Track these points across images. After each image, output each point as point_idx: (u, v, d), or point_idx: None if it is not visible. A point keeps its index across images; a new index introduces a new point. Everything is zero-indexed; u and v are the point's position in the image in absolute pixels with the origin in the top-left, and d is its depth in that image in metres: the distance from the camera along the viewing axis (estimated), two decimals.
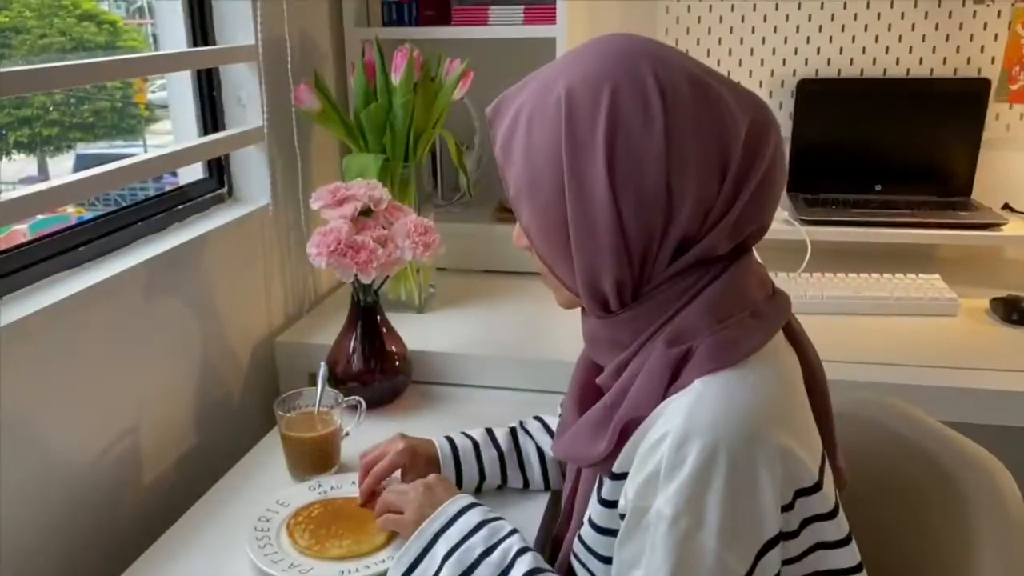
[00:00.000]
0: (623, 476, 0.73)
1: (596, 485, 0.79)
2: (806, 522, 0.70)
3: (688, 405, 0.68)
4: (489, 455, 1.07)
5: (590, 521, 0.79)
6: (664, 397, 0.71)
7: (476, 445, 1.08)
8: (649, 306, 0.74)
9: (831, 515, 0.72)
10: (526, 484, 1.09)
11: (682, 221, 0.70)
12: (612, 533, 0.75)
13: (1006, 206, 1.81)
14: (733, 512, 0.65)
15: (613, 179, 0.69)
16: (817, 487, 0.69)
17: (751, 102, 0.73)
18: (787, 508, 0.68)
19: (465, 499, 0.91)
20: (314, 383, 1.19)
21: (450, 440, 1.08)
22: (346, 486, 1.09)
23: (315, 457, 1.13)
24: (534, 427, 1.10)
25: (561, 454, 0.85)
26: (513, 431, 1.10)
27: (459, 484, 1.06)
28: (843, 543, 0.74)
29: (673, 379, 0.71)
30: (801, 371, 0.78)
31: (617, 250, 0.71)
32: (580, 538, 0.81)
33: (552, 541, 0.96)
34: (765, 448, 0.66)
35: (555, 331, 1.48)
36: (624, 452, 0.73)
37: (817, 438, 0.74)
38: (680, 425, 0.67)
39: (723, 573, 0.66)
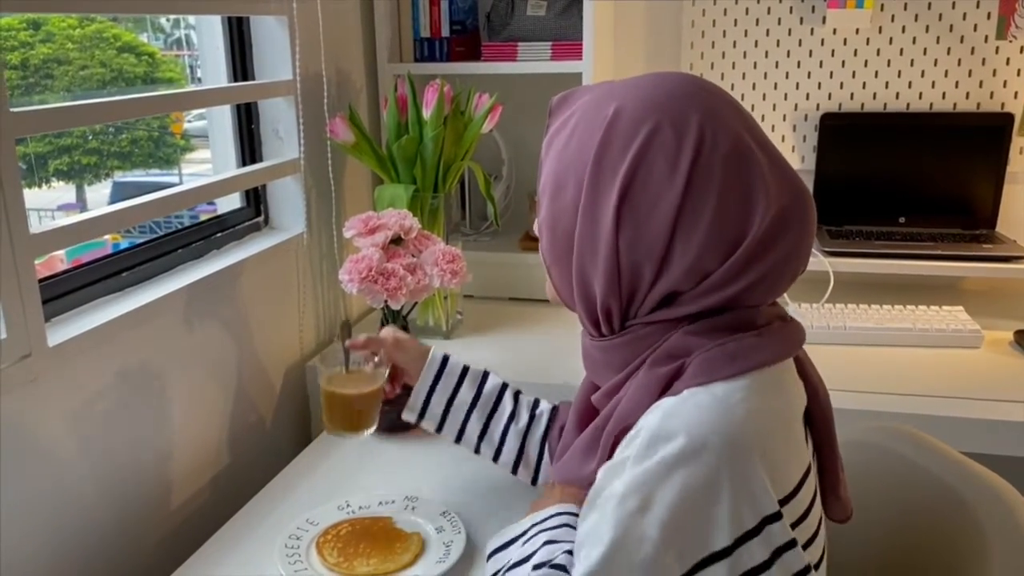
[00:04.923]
0: None
1: None
2: (777, 552, 0.68)
3: (669, 405, 0.68)
4: (465, 394, 1.06)
5: None
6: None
7: (464, 373, 1.07)
8: (638, 335, 0.74)
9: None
10: (483, 433, 1.07)
11: (673, 276, 0.70)
12: None
13: None
14: (681, 511, 0.64)
15: (621, 210, 0.70)
16: (777, 516, 0.67)
17: (791, 188, 0.72)
18: (753, 533, 0.66)
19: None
20: None
21: (446, 357, 1.07)
22: (374, 506, 1.12)
23: (356, 414, 1.08)
24: (525, 401, 1.09)
25: (558, 476, 0.85)
26: (504, 387, 1.09)
27: (427, 399, 1.05)
28: None
29: (663, 393, 0.71)
30: (806, 404, 0.77)
31: (610, 276, 0.72)
32: None
33: None
34: (735, 466, 0.65)
35: (579, 358, 1.50)
36: None
37: (793, 477, 0.71)
38: (656, 422, 0.67)
39: (656, 568, 0.65)
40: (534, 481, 1.08)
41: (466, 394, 1.07)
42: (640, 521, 0.65)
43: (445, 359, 1.08)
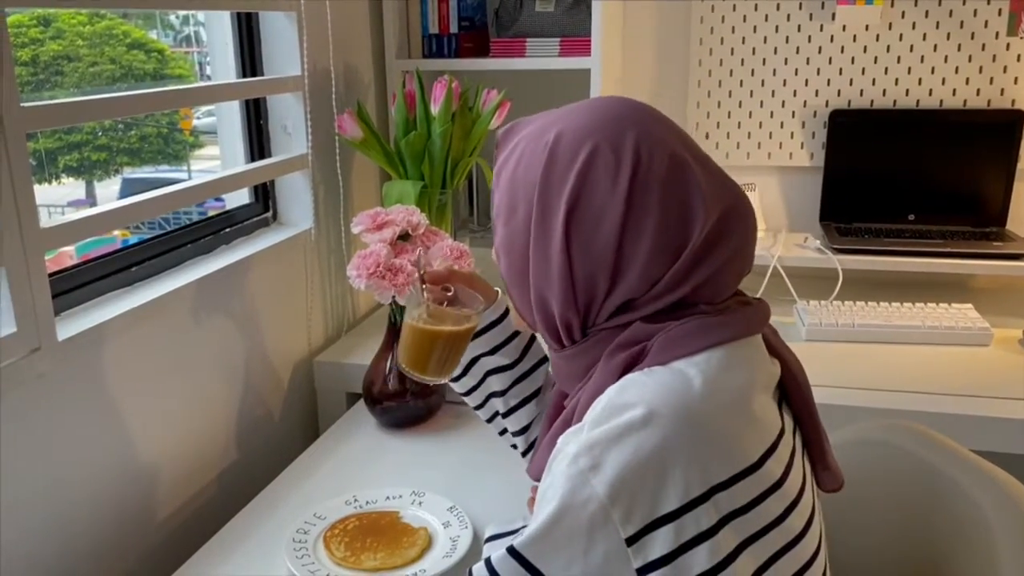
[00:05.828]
0: None
1: None
2: (725, 519, 0.68)
3: (629, 379, 0.72)
4: (509, 353, 1.03)
5: None
6: None
7: (515, 334, 1.05)
8: (598, 339, 0.78)
9: (761, 533, 0.69)
10: (501, 393, 1.04)
11: (628, 285, 0.75)
12: None
13: None
14: (630, 474, 0.66)
15: (569, 229, 0.74)
16: (726, 485, 0.67)
17: (728, 195, 0.77)
18: (701, 500, 0.67)
19: None
20: (351, 404, 1.21)
21: (506, 311, 1.04)
22: (381, 501, 1.12)
23: (447, 353, 0.98)
24: (552, 380, 1.06)
25: (532, 474, 0.88)
26: (544, 360, 1.07)
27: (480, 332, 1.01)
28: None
29: (624, 374, 0.73)
30: (778, 378, 0.78)
31: (565, 292, 0.76)
32: None
33: None
34: (688, 437, 0.67)
35: None
36: None
37: (755, 451, 0.71)
38: (615, 393, 0.70)
39: (602, 528, 0.66)
40: (524, 453, 1.07)
41: (510, 353, 1.04)
42: (589, 480, 0.67)
43: (504, 313, 1.04)
